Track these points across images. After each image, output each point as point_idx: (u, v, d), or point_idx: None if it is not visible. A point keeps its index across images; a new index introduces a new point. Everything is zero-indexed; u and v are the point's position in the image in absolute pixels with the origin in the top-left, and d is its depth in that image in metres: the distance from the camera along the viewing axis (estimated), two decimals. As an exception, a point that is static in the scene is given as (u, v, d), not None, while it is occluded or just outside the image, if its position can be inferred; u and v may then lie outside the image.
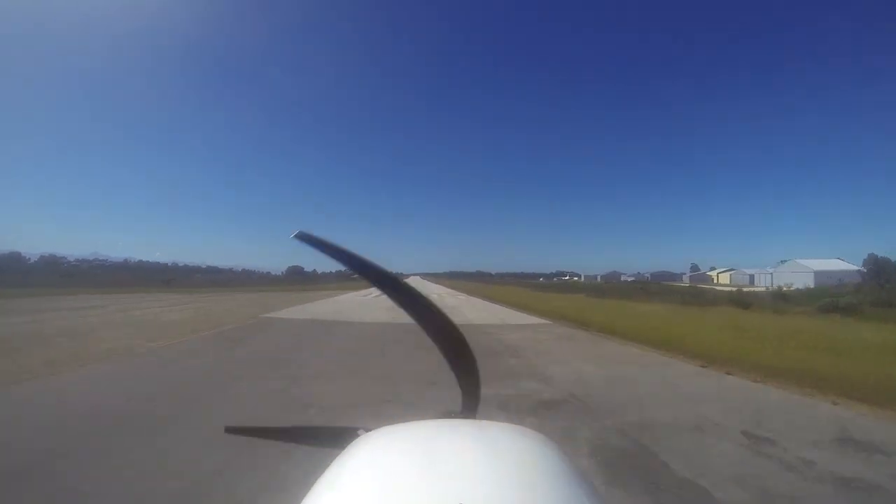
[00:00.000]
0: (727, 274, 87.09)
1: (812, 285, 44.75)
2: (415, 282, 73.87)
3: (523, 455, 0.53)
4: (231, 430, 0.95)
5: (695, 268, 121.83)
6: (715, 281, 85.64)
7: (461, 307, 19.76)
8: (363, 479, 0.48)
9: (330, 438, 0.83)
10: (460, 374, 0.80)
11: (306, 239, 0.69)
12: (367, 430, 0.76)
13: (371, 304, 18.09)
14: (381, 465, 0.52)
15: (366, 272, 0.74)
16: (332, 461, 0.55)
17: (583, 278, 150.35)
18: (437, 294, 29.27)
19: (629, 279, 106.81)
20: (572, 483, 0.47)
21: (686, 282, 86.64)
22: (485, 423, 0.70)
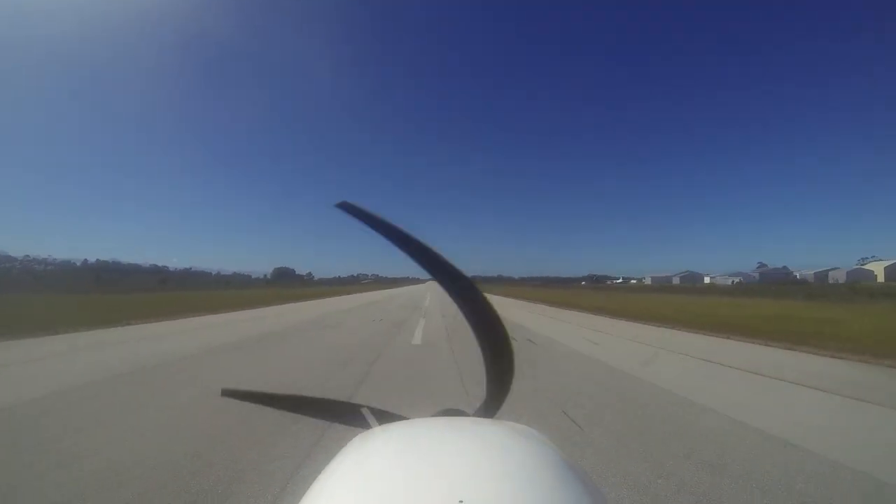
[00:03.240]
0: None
1: None
2: (432, 287, 59.43)
3: (522, 453, 0.52)
4: (227, 394, 0.85)
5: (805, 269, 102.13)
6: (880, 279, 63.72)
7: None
8: (363, 477, 0.47)
9: (329, 412, 0.82)
10: (492, 374, 0.74)
11: (349, 209, 0.64)
12: (370, 407, 0.76)
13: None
14: (381, 462, 0.51)
15: (411, 250, 0.65)
16: (331, 459, 0.54)
17: (650, 280, 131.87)
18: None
19: (731, 279, 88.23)
20: (571, 481, 0.46)
21: (841, 279, 65.51)
22: (484, 420, 0.68)
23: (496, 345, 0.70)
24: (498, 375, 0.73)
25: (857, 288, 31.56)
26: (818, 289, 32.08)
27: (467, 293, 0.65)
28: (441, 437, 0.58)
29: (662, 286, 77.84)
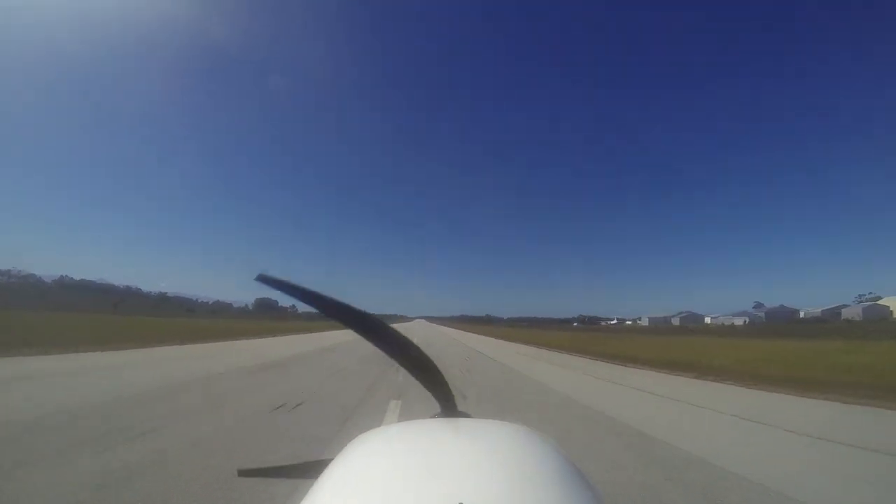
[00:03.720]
0: None
1: None
2: (422, 327, 59.58)
3: (521, 453, 0.53)
4: (244, 473, 0.93)
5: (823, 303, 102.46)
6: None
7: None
8: (362, 479, 0.48)
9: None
10: (429, 384, 0.79)
11: (269, 281, 0.68)
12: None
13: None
14: (380, 464, 0.52)
15: (336, 313, 0.74)
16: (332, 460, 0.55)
17: (646, 322, 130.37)
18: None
19: (736, 319, 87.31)
20: (570, 480, 0.46)
21: (855, 316, 65.01)
22: (482, 421, 0.70)
23: (420, 363, 0.74)
24: (432, 382, 0.76)
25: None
26: (865, 327, 30.93)
27: (381, 330, 0.71)
28: (441, 438, 0.58)
29: (673, 328, 76.43)
